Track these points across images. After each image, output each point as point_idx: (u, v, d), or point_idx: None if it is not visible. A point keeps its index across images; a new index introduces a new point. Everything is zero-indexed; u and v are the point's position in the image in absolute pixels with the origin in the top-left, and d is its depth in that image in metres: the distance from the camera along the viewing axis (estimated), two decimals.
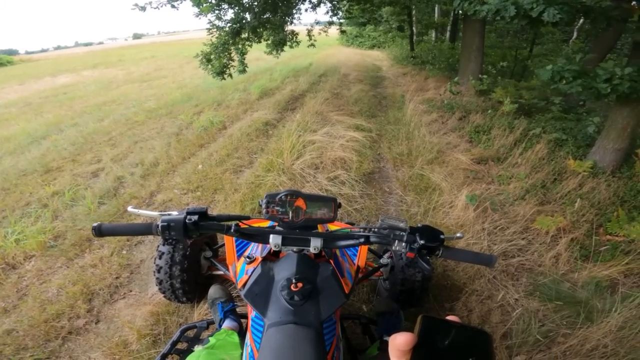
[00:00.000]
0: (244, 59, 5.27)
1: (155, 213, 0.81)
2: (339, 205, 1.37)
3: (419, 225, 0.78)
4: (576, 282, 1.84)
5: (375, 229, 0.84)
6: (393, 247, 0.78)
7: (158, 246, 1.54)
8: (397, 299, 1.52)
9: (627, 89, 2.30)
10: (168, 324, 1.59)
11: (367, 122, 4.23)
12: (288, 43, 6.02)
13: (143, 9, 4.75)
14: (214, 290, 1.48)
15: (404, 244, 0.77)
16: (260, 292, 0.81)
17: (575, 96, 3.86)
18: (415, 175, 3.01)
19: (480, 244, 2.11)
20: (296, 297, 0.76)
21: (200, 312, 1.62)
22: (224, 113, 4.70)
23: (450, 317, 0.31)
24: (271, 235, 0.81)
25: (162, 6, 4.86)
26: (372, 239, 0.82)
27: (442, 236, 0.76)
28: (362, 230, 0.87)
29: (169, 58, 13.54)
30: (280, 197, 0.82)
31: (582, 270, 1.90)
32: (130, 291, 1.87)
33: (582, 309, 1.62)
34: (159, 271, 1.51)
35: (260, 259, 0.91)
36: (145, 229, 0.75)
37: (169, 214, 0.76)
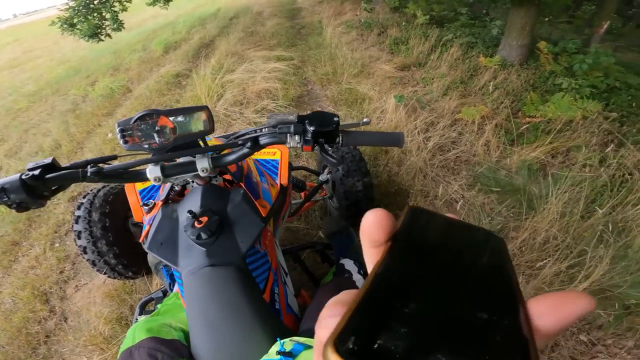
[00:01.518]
0: (117, 16, 4.50)
1: None
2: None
3: (309, 112, 0.68)
4: (510, 167, 1.90)
5: (265, 129, 0.71)
6: (287, 145, 0.68)
7: (72, 226, 1.35)
8: (346, 215, 1.42)
9: None
10: (130, 302, 1.54)
11: (288, 52, 4.01)
12: None
13: None
14: (151, 256, 1.35)
15: (296, 137, 0.66)
16: (165, 240, 0.71)
17: (479, 5, 4.07)
18: (343, 90, 3.00)
19: (416, 140, 2.18)
20: (203, 235, 0.66)
21: (157, 283, 1.54)
22: (124, 76, 4.08)
23: (450, 215, 0.23)
24: (147, 168, 0.66)
25: None
26: (262, 141, 0.69)
27: (336, 118, 0.65)
28: (249, 134, 0.74)
29: (37, 38, 11.10)
30: (136, 120, 0.64)
31: (512, 155, 1.97)
32: (80, 281, 1.75)
33: (523, 197, 1.63)
34: (84, 252, 1.34)
35: (160, 203, 0.78)
36: None
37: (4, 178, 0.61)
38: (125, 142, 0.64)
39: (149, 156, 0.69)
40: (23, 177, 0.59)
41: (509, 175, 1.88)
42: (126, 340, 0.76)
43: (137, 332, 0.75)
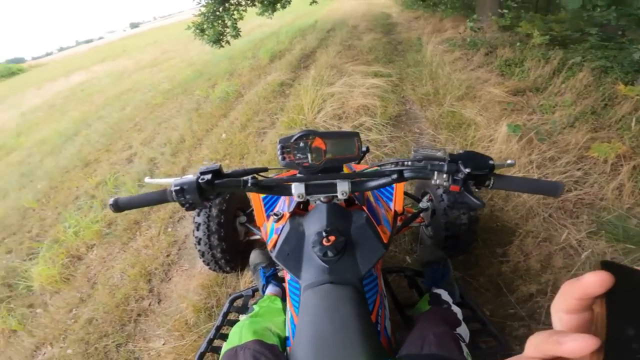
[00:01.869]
0: (236, 24, 5.08)
1: (169, 180, 0.75)
2: (367, 150, 1.24)
3: (460, 152, 0.66)
4: None
5: (409, 163, 0.71)
6: (433, 181, 0.67)
7: (194, 218, 1.51)
8: (442, 246, 1.38)
9: None
10: (218, 295, 1.63)
11: (386, 68, 4.01)
12: (280, 2, 5.69)
13: None
14: (254, 256, 1.45)
15: (444, 175, 0.65)
16: (292, 252, 0.76)
17: (614, 26, 3.44)
18: (445, 113, 2.86)
19: (530, 177, 1.96)
20: (329, 253, 0.70)
21: (245, 280, 1.64)
22: (238, 81, 4.63)
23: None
24: (293, 185, 0.73)
25: None
26: (406, 174, 0.70)
27: (491, 162, 0.63)
28: (393, 165, 0.74)
29: (172, 40, 13.33)
30: (295, 139, 0.71)
31: None
32: (182, 267, 1.92)
33: None
34: (199, 243, 1.49)
35: (288, 215, 0.84)
36: (160, 197, 0.71)
37: (175, 180, 0.71)
38: (283, 158, 0.72)
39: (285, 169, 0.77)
40: (199, 180, 0.69)
41: None
42: (232, 338, 0.82)
43: (244, 332, 0.81)
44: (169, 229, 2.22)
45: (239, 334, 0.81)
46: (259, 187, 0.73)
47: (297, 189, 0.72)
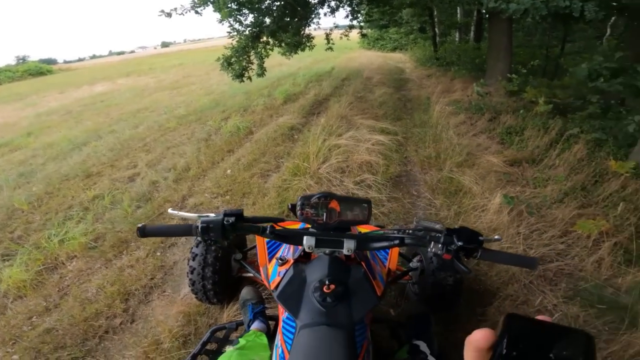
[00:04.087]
0: (263, 63, 5.38)
1: (193, 215, 0.84)
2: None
3: (456, 227, 0.77)
4: (619, 287, 1.75)
5: (410, 231, 0.83)
6: (429, 249, 0.77)
7: (192, 248, 1.57)
8: (426, 303, 1.49)
9: None
10: (198, 324, 1.63)
11: (393, 125, 4.19)
12: (302, 46, 6.09)
13: (169, 15, 5.03)
14: (246, 292, 1.50)
15: (440, 245, 0.75)
16: (293, 294, 0.82)
17: (613, 94, 3.64)
18: (444, 179, 2.94)
19: (515, 248, 2.03)
20: (329, 299, 0.77)
21: (229, 314, 1.65)
22: (250, 118, 4.82)
23: (540, 317, 0.27)
24: (305, 237, 0.82)
25: (186, 12, 5.11)
26: (407, 241, 0.81)
27: (480, 238, 0.74)
28: (396, 232, 0.86)
29: (196, 65, 14.09)
30: (315, 199, 0.83)
31: (625, 275, 1.79)
32: (164, 292, 1.92)
33: (627, 314, 1.54)
34: (192, 272, 1.54)
35: (292, 261, 0.92)
36: (186, 230, 0.78)
37: (207, 216, 0.79)
38: (302, 214, 0.84)
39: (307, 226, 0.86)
40: (225, 222, 0.77)
41: (616, 294, 1.72)
42: None
43: None
44: (158, 253, 2.23)
45: None
46: (276, 235, 0.82)
47: (308, 241, 0.81)
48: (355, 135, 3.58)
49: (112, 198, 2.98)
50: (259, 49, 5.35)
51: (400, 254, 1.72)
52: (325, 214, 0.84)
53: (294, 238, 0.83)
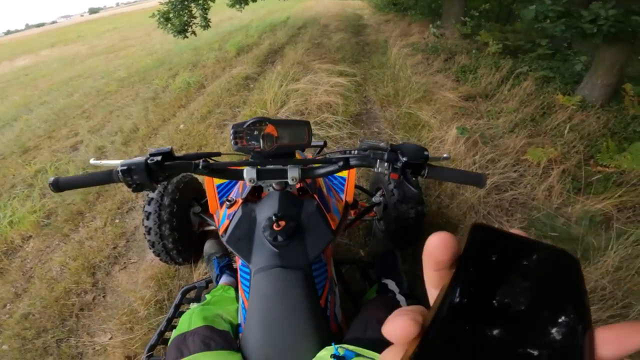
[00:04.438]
0: (206, 14, 4.90)
1: (117, 162, 0.73)
2: (325, 144, 1.27)
3: (401, 142, 0.73)
4: (570, 216, 1.80)
5: (355, 152, 0.77)
6: (375, 169, 0.73)
7: (144, 207, 1.45)
8: (392, 239, 1.45)
9: (613, 29, 2.29)
10: (170, 287, 1.59)
11: (351, 68, 4.08)
12: None
13: None
14: (209, 245, 1.44)
15: (386, 164, 0.71)
16: (243, 236, 0.77)
17: (561, 37, 3.81)
18: (403, 114, 2.98)
19: None
20: (279, 237, 0.72)
21: (199, 272, 1.61)
22: (201, 73, 4.46)
23: (515, 231, 0.21)
24: (245, 169, 0.74)
25: None
26: (352, 162, 0.74)
27: (426, 153, 0.70)
28: (340, 153, 0.80)
29: (134, 27, 12.59)
30: (248, 125, 0.73)
31: (575, 204, 1.85)
32: (130, 259, 1.84)
33: (578, 246, 1.58)
34: (148, 232, 1.43)
35: (241, 201, 0.85)
36: (105, 177, 0.69)
37: (123, 160, 0.70)
38: (236, 143, 0.74)
39: (243, 158, 0.77)
40: (148, 161, 0.68)
41: (568, 224, 1.77)
42: (181, 325, 0.81)
43: (193, 319, 0.80)
44: (117, 220, 2.11)
45: (188, 321, 0.80)
46: (210, 169, 0.72)
47: (249, 173, 0.73)
48: (313, 79, 3.45)
49: (56, 170, 2.73)
50: (199, 1, 4.80)
51: (362, 189, 1.68)
52: (262, 142, 0.74)
53: (232, 172, 0.75)
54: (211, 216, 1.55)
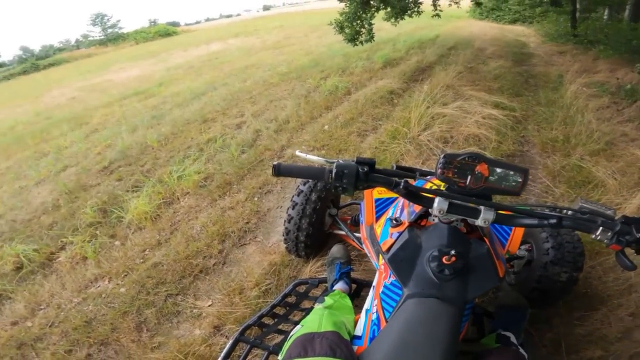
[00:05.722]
0: (372, 29, 5.22)
1: (320, 158, 0.81)
2: (526, 177, 1.17)
3: (635, 216, 0.66)
4: None
5: (570, 212, 0.71)
6: (593, 236, 0.66)
7: (292, 197, 1.55)
8: (526, 295, 1.31)
9: None
10: (281, 276, 1.65)
11: (510, 101, 3.63)
12: (409, 12, 5.60)
13: None
14: (336, 249, 1.47)
15: (610, 233, 0.65)
16: (406, 259, 0.77)
17: None
18: (571, 166, 2.47)
19: None
20: (446, 271, 0.71)
21: (312, 269, 1.63)
22: (349, 79, 4.77)
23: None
24: (437, 199, 0.72)
25: None
26: (564, 222, 0.68)
27: None
28: (549, 210, 0.73)
29: (295, 27, 14.41)
30: (462, 158, 0.72)
31: None
32: (255, 237, 1.98)
33: None
34: (289, 221, 1.52)
35: (407, 224, 0.86)
36: (317, 174, 0.73)
37: (338, 161, 0.73)
38: (442, 173, 0.74)
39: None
40: (360, 169, 0.72)
41: None
42: (310, 324, 0.84)
43: (324, 321, 0.83)
44: (256, 198, 2.36)
45: (319, 322, 0.83)
46: (407, 191, 0.73)
47: (440, 204, 0.72)
48: (463, 106, 3.23)
49: (222, 142, 3.32)
50: (369, 14, 5.20)
51: None
52: (469, 177, 0.73)
53: (425, 198, 0.75)
54: (344, 222, 1.67)
